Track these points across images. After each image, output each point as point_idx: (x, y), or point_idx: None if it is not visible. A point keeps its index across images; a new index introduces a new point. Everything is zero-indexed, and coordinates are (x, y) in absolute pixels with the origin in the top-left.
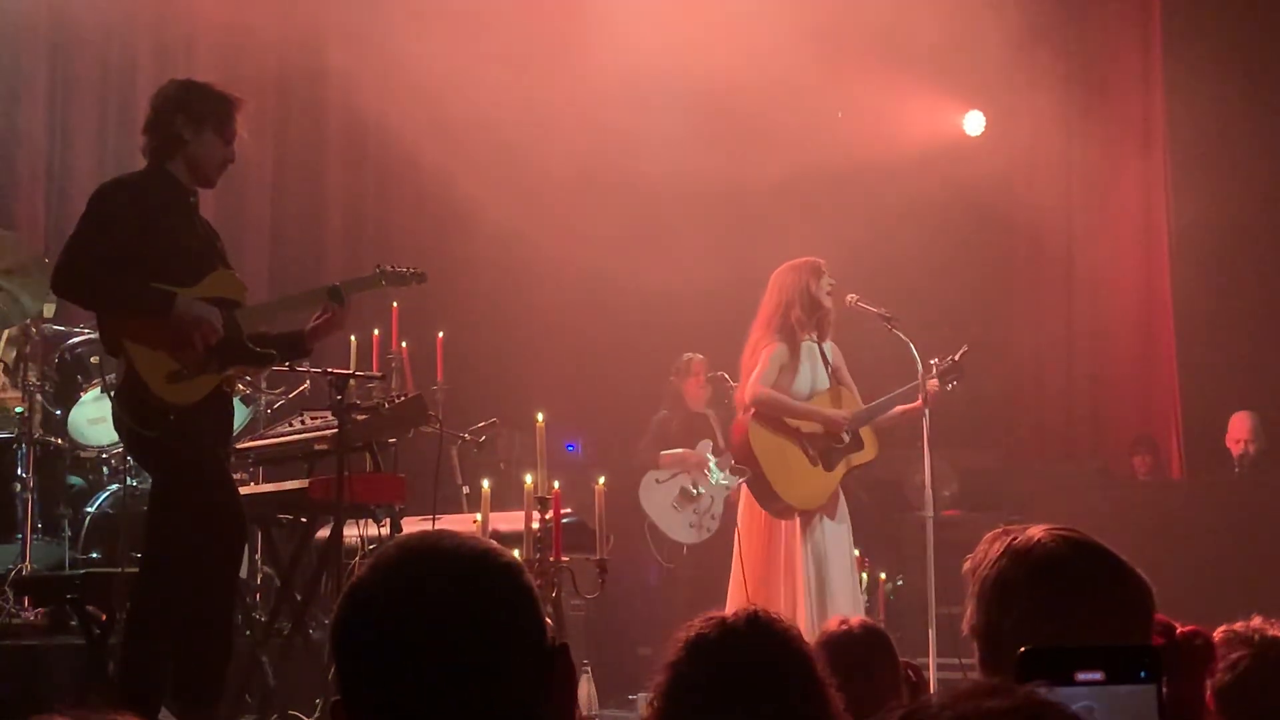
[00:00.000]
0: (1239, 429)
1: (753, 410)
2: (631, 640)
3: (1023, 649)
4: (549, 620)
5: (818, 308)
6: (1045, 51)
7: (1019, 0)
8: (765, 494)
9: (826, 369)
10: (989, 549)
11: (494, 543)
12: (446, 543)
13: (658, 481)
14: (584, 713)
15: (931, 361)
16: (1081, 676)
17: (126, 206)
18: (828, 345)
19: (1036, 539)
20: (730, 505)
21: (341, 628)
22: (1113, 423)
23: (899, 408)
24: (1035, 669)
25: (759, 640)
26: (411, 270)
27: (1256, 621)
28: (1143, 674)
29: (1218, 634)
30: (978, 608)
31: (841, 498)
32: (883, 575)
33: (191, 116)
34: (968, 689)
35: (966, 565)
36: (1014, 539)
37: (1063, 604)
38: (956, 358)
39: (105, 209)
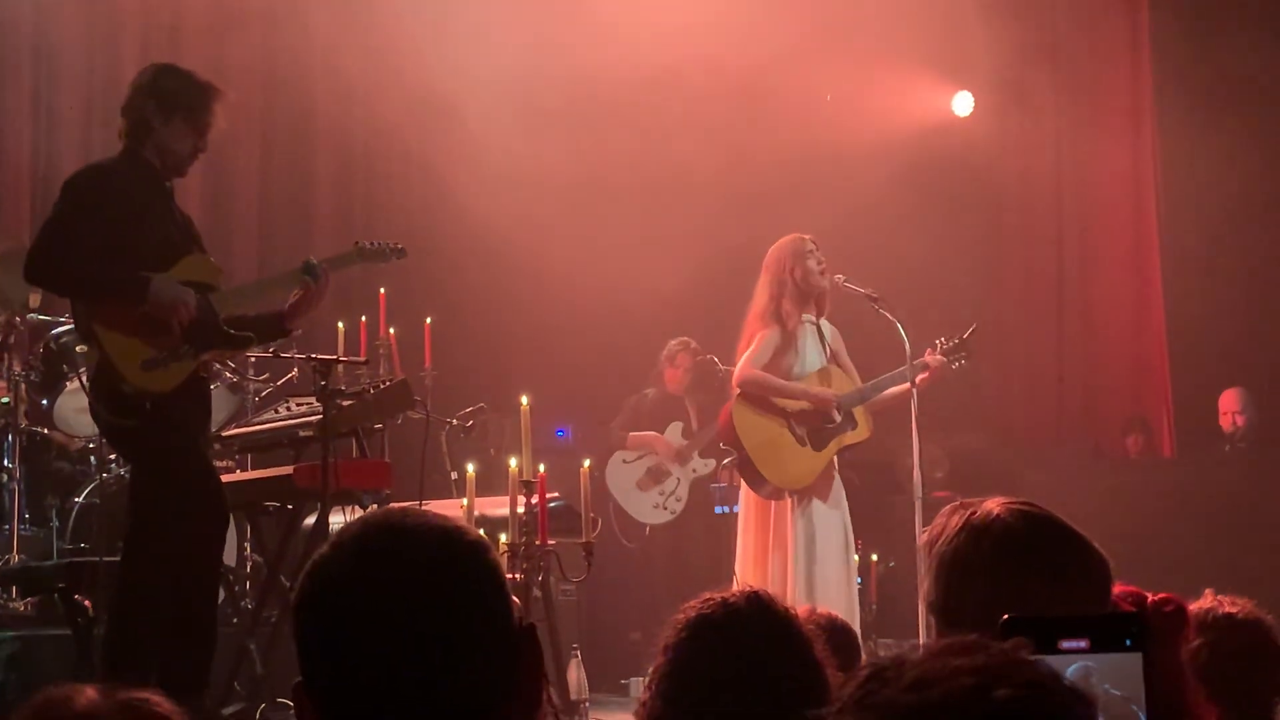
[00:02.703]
0: (1229, 402)
1: (738, 393)
2: (622, 625)
3: (1005, 617)
4: (516, 600)
5: (809, 291)
6: (1032, 29)
7: None
8: (753, 477)
9: (824, 349)
10: (946, 523)
11: (460, 521)
12: (410, 520)
13: (624, 462)
14: (574, 697)
15: (938, 340)
16: (1066, 645)
17: (101, 192)
18: (825, 325)
19: (994, 514)
20: (698, 488)
21: (303, 606)
22: (1104, 403)
23: (895, 389)
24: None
25: (762, 621)
26: (391, 245)
27: (1208, 600)
28: (1128, 642)
29: None
30: (935, 583)
31: (838, 482)
32: (874, 557)
33: (162, 104)
34: (941, 646)
35: (923, 539)
36: (971, 513)
37: (1019, 578)
38: (964, 336)
39: (79, 195)
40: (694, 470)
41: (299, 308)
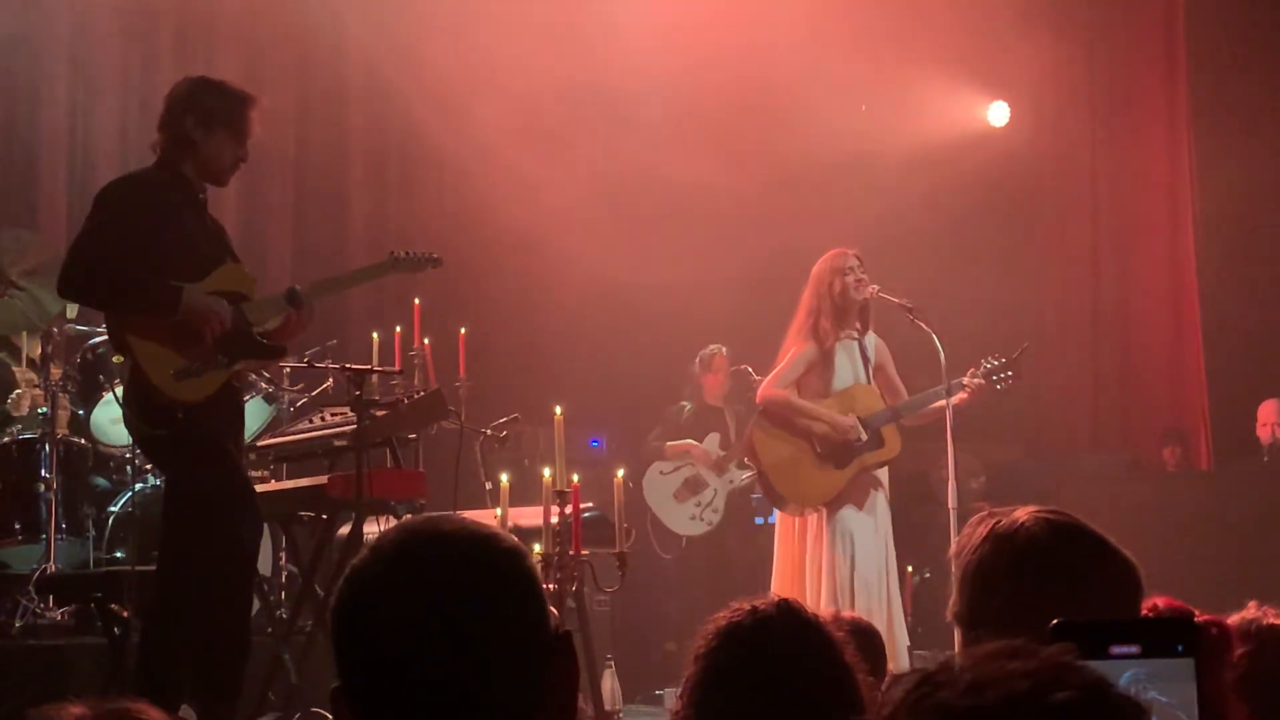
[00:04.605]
0: (1268, 413)
1: (760, 410)
2: (657, 635)
3: (1055, 622)
4: (552, 608)
5: (848, 307)
6: (1067, 39)
7: None
8: (772, 494)
9: (865, 366)
10: (973, 533)
11: (498, 528)
12: (448, 526)
13: (662, 473)
14: (609, 707)
15: (983, 360)
16: (1116, 650)
17: (132, 204)
18: (870, 340)
19: (1019, 522)
20: (736, 500)
21: (341, 611)
22: (1141, 414)
23: (933, 405)
24: (1068, 643)
25: (792, 628)
26: (426, 254)
27: (1252, 611)
28: (1179, 648)
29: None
30: (961, 593)
31: (875, 492)
32: (910, 569)
33: (201, 117)
34: (991, 650)
35: (952, 550)
36: (997, 522)
37: (1044, 588)
38: (1014, 356)
39: (111, 208)
40: (731, 481)
41: (281, 335)
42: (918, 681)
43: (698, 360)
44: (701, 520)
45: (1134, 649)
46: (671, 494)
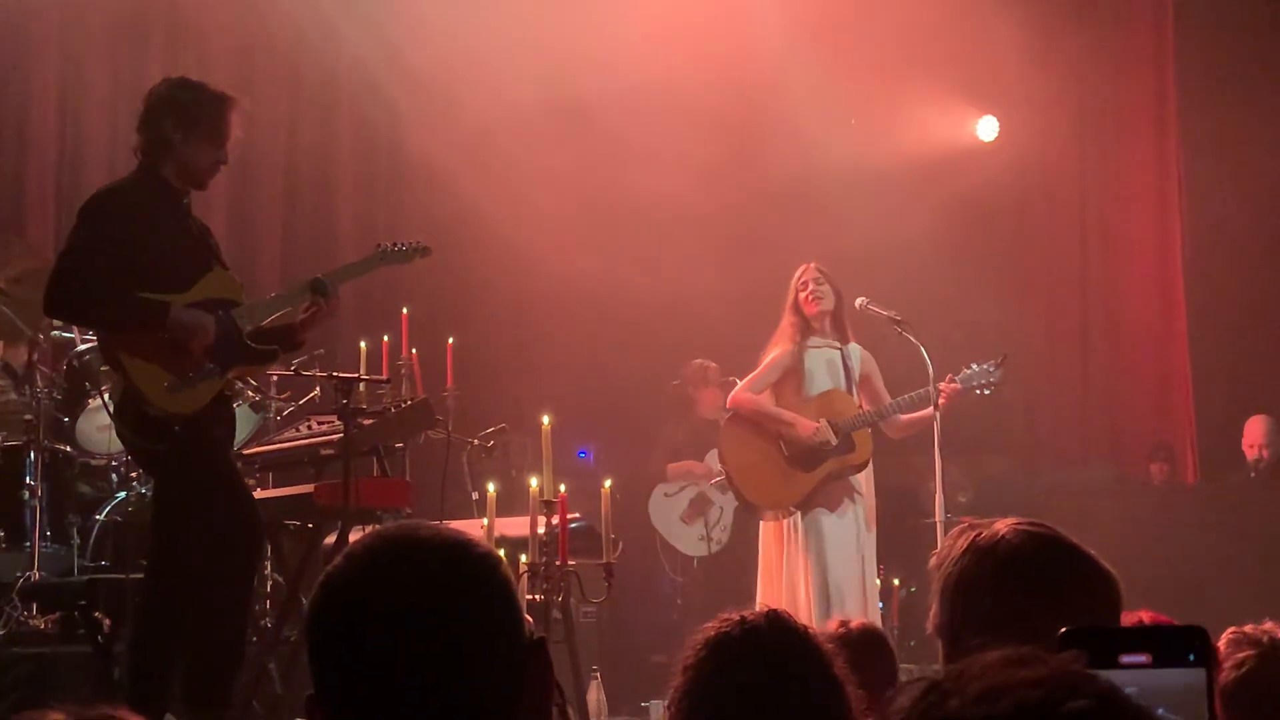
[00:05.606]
0: (1254, 433)
1: (729, 415)
2: (644, 647)
3: (1063, 630)
4: (528, 616)
5: (805, 319)
6: (1058, 56)
7: (1031, 5)
8: (743, 501)
9: (848, 376)
10: (954, 545)
11: (472, 535)
12: (422, 533)
13: (666, 495)
14: (594, 719)
15: (966, 367)
16: (1126, 659)
17: (115, 217)
18: (854, 350)
19: (1000, 534)
20: (743, 515)
21: (314, 617)
22: (1128, 428)
23: (914, 414)
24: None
25: (781, 639)
26: (414, 244)
27: (1267, 624)
28: (1191, 656)
29: (1226, 635)
30: (941, 605)
31: (849, 501)
32: (896, 581)
33: (181, 119)
34: (999, 658)
35: (932, 562)
36: (978, 534)
37: (1024, 600)
38: (997, 362)
39: (94, 224)
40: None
41: (310, 323)
42: (925, 690)
43: (683, 377)
44: (711, 540)
45: (1144, 658)
46: (678, 516)
